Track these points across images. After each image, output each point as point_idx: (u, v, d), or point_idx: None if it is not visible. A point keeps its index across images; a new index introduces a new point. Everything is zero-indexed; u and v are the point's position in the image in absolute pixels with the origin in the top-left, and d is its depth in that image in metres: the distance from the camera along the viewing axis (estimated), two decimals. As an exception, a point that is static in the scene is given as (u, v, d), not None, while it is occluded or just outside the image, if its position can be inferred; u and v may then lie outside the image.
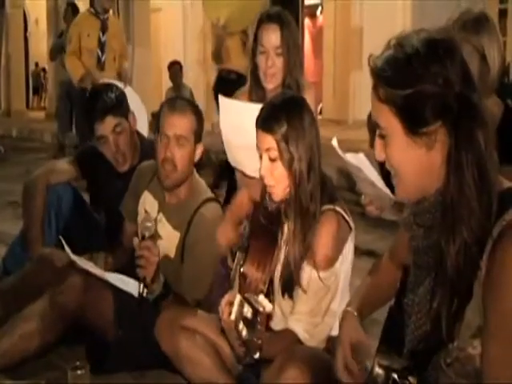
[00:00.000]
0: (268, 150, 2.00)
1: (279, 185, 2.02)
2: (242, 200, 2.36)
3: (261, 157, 2.03)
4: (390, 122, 1.37)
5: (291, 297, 2.05)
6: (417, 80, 1.31)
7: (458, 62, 1.35)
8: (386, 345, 1.55)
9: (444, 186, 1.37)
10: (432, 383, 1.39)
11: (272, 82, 2.74)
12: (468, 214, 1.32)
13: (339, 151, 2.22)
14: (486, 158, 1.34)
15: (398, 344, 1.48)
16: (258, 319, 1.65)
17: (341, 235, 2.02)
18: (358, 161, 2.15)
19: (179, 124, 2.51)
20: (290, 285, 2.04)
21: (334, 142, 2.22)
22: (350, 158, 2.17)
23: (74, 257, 2.52)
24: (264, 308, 1.65)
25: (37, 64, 20.59)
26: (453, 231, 1.34)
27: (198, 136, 2.57)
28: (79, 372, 2.06)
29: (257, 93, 2.81)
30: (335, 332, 2.02)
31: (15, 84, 16.81)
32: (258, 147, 2.04)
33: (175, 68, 9.08)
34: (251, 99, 2.77)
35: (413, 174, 1.40)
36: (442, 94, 1.31)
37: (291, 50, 2.71)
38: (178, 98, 2.73)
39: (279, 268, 2.09)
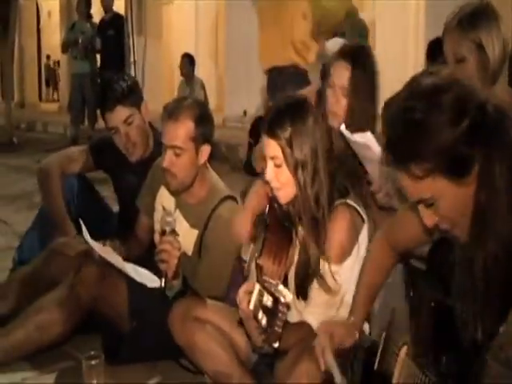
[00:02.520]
0: (273, 157, 2.00)
1: (285, 188, 2.02)
2: (260, 191, 2.34)
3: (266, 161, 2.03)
4: (437, 186, 1.33)
5: (305, 297, 2.06)
6: (440, 131, 1.28)
7: (457, 81, 1.33)
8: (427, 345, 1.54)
9: (475, 196, 1.34)
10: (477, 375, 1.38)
11: (334, 121, 2.47)
12: (497, 223, 1.31)
13: (347, 133, 2.24)
14: None
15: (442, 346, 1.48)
16: (279, 307, 1.65)
17: (354, 228, 2.02)
18: (365, 139, 2.17)
19: (174, 133, 2.46)
20: (305, 286, 2.05)
21: (342, 127, 2.23)
22: (358, 137, 2.20)
23: (92, 241, 2.51)
24: (284, 297, 1.66)
25: (48, 56, 20.62)
26: (483, 242, 1.33)
27: (200, 139, 2.50)
28: (93, 362, 2.08)
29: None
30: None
31: (28, 76, 16.89)
32: (264, 152, 2.04)
33: (186, 61, 9.07)
34: None
35: (468, 213, 1.36)
36: (468, 119, 1.28)
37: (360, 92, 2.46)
38: (179, 102, 2.59)
39: (293, 269, 2.10)
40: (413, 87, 1.36)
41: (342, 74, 2.47)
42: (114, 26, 9.13)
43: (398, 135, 1.34)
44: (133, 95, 2.91)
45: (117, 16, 9.29)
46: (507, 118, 1.33)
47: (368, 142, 2.16)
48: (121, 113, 2.85)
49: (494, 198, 1.31)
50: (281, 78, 4.41)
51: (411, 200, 1.40)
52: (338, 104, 2.49)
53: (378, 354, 1.76)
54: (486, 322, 1.35)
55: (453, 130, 1.28)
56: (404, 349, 1.65)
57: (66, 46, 9.63)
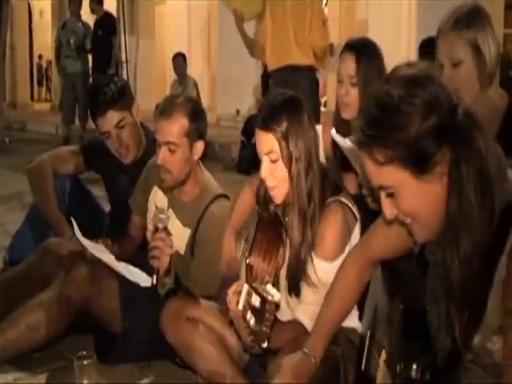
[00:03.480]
0: (269, 153, 2.00)
1: (281, 186, 2.02)
2: (246, 202, 2.35)
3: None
4: (398, 177, 1.34)
5: (298, 295, 2.06)
6: (409, 122, 1.30)
7: (435, 79, 1.34)
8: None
9: (447, 202, 1.34)
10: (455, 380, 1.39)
11: (347, 112, 2.61)
12: (469, 226, 1.31)
13: (337, 138, 2.24)
14: (487, 161, 1.32)
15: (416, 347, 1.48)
16: (267, 307, 1.65)
17: (346, 226, 2.02)
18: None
19: (167, 130, 2.47)
20: (297, 284, 2.05)
21: (333, 131, 2.23)
22: (350, 141, 2.18)
23: (84, 240, 2.51)
24: (272, 296, 1.66)
25: (40, 56, 20.57)
26: (455, 245, 1.33)
27: (194, 135, 2.51)
28: (86, 362, 2.07)
29: (338, 121, 2.68)
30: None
31: (20, 76, 16.82)
32: (258, 150, 2.04)
33: (179, 60, 9.06)
34: (334, 126, 2.65)
35: (431, 213, 1.37)
36: (437, 118, 1.30)
37: (368, 81, 2.55)
38: (171, 99, 2.61)
39: (285, 267, 2.10)
40: (394, 74, 1.39)
41: (348, 66, 2.60)
42: (104, 25, 9.11)
43: (370, 116, 1.36)
44: (123, 98, 2.88)
45: (106, 16, 9.24)
46: (476, 124, 1.34)
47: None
48: (112, 117, 2.83)
49: (464, 203, 1.32)
50: (294, 76, 4.47)
51: (373, 185, 1.41)
52: (348, 95, 2.60)
53: (364, 356, 1.73)
54: (460, 328, 1.35)
55: (419, 125, 1.29)
56: (383, 354, 1.63)
57: (59, 48, 9.58)
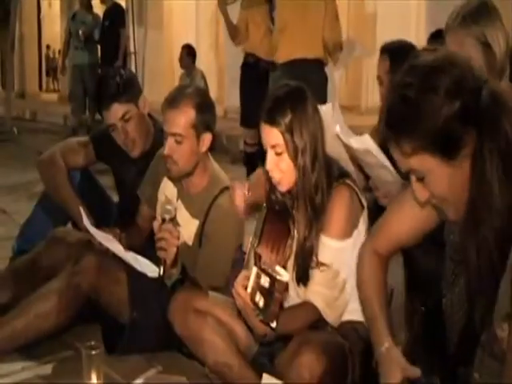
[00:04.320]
0: (274, 146, 2.01)
1: (286, 177, 2.03)
2: (259, 177, 2.35)
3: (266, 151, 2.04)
4: (427, 163, 1.34)
5: (306, 284, 2.06)
6: (434, 110, 1.29)
7: (456, 62, 1.33)
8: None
9: (470, 183, 1.35)
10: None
11: None
12: (490, 211, 1.31)
13: (343, 138, 2.21)
14: (511, 141, 1.31)
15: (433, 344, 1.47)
16: (276, 287, 1.66)
17: (353, 207, 2.04)
18: (363, 143, 2.15)
19: (173, 121, 2.46)
20: (305, 272, 2.05)
21: (337, 129, 2.21)
22: (355, 142, 2.16)
23: (93, 229, 2.51)
24: (281, 276, 1.67)
25: (48, 46, 20.58)
26: (475, 230, 1.33)
27: (201, 127, 2.50)
28: (93, 352, 2.07)
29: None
30: (349, 316, 2.04)
31: (29, 66, 16.84)
32: (263, 142, 2.04)
33: (187, 52, 9.04)
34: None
35: (461, 194, 1.37)
36: (460, 102, 1.29)
37: None
38: (180, 90, 2.60)
39: (292, 258, 2.10)
40: (413, 63, 1.38)
41: (384, 67, 2.80)
42: (111, 16, 9.08)
43: (393, 109, 1.36)
44: (129, 91, 2.87)
45: (114, 6, 9.20)
46: (502, 105, 1.33)
47: (368, 147, 2.14)
48: (117, 110, 2.82)
49: (485, 185, 1.31)
50: (303, 69, 4.42)
51: (403, 170, 1.41)
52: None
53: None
54: (476, 312, 1.35)
55: (444, 112, 1.29)
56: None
57: (68, 38, 9.57)
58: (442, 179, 1.35)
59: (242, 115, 5.83)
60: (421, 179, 1.38)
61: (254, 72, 5.56)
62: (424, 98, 1.30)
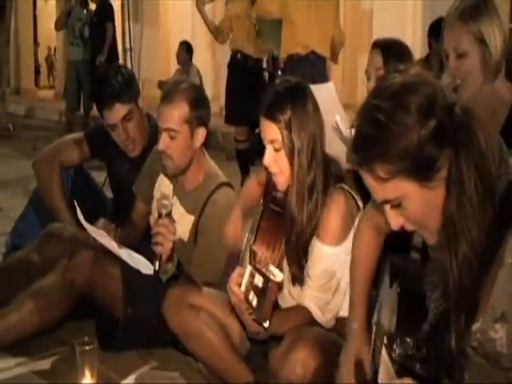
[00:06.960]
0: (272, 141, 2.00)
1: (284, 173, 2.02)
2: (251, 188, 2.35)
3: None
4: (403, 188, 1.29)
5: (301, 284, 2.06)
6: (407, 132, 1.24)
7: (427, 81, 1.29)
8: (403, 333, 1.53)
9: (445, 202, 1.31)
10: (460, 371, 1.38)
11: None
12: (468, 226, 1.28)
13: (343, 128, 2.21)
14: (487, 158, 1.28)
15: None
16: (269, 286, 1.65)
17: (349, 212, 2.02)
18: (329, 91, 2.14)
19: (167, 116, 2.45)
20: (300, 273, 2.05)
21: (338, 118, 2.20)
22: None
23: (87, 224, 2.51)
24: (275, 276, 1.66)
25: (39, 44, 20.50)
26: (454, 247, 1.31)
27: (195, 122, 2.50)
28: (87, 348, 2.07)
29: None
30: (343, 313, 2.04)
31: (24, 62, 16.77)
32: (263, 137, 2.04)
33: (184, 48, 9.04)
34: None
35: (436, 217, 1.33)
36: (436, 121, 1.25)
37: None
38: (174, 85, 2.57)
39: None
40: (381, 86, 1.33)
41: (375, 61, 2.74)
42: (99, 11, 9.05)
43: (363, 134, 1.31)
44: (130, 90, 2.86)
45: (102, 1, 9.15)
46: (474, 121, 1.30)
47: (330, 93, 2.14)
48: (119, 110, 2.82)
49: (464, 202, 1.28)
50: (302, 64, 4.39)
51: (378, 199, 1.35)
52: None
53: (371, 346, 1.69)
54: (458, 319, 1.34)
55: (418, 133, 1.24)
56: (384, 339, 1.58)
57: (60, 24, 9.52)
58: (418, 203, 1.31)
59: (226, 114, 5.62)
60: (395, 206, 1.33)
61: (241, 70, 5.49)
62: (395, 119, 1.25)
